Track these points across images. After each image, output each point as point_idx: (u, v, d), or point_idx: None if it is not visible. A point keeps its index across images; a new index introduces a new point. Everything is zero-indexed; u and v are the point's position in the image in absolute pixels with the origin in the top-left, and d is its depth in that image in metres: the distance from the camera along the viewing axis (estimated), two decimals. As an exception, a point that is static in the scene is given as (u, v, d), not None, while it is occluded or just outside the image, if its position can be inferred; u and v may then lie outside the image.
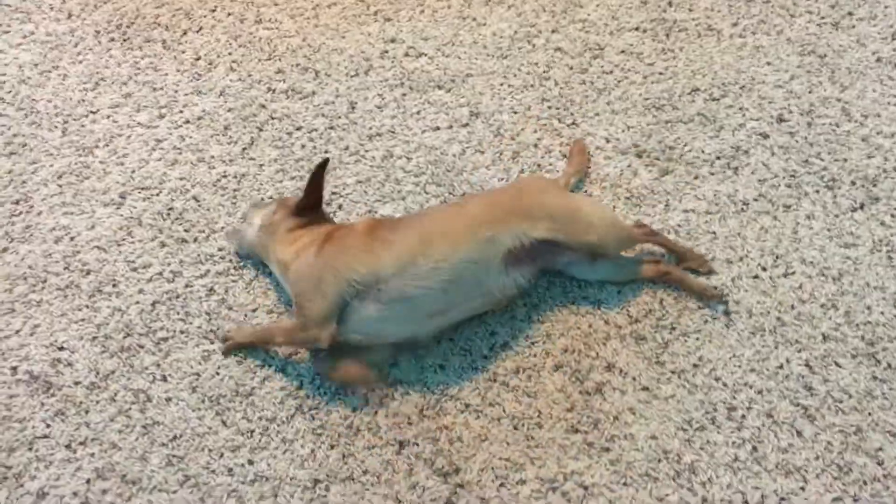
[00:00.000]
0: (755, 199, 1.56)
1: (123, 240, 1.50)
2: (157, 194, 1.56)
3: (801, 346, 1.38)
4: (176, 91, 1.71)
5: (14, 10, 1.84)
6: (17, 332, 1.39)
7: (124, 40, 1.79)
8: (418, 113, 1.69)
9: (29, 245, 1.49)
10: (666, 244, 1.47)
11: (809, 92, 1.72)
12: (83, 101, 1.69)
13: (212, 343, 1.38)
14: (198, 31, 1.82)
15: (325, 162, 1.40)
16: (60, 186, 1.57)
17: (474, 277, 1.32)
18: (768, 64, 1.77)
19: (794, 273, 1.47)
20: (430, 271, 1.30)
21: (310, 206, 1.41)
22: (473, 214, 1.36)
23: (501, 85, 1.74)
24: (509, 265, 1.34)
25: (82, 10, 1.84)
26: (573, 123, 1.68)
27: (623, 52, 1.79)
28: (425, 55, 1.79)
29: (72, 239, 1.50)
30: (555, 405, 1.32)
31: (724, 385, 1.34)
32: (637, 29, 1.84)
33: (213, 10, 1.86)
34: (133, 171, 1.59)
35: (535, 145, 1.65)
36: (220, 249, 1.49)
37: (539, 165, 1.61)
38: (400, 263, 1.29)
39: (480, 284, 1.33)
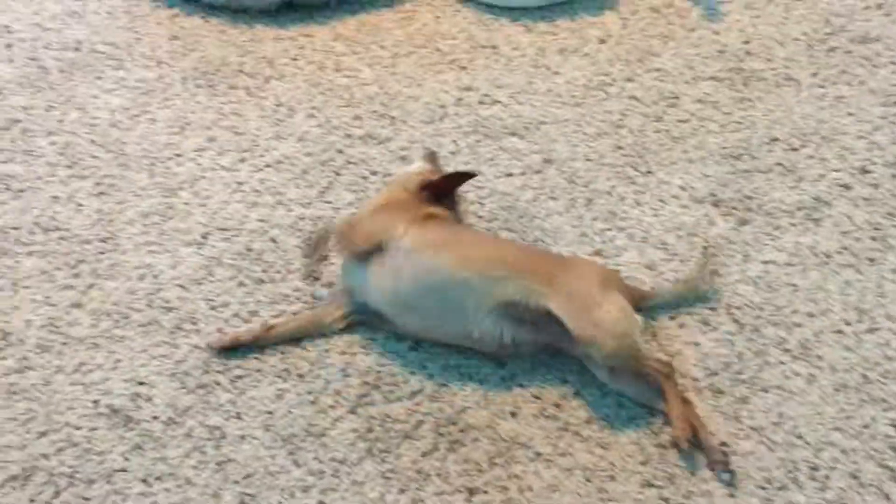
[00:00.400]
0: (838, 252, 1.52)
1: (204, 279, 1.54)
2: (237, 235, 1.60)
3: (888, 404, 1.33)
4: (257, 136, 1.77)
5: (107, 58, 1.93)
6: (100, 366, 1.43)
7: (210, 87, 1.86)
8: (492, 159, 1.71)
9: (114, 282, 1.54)
10: (683, 412, 1.29)
11: (893, 143, 1.68)
12: (170, 144, 1.76)
13: (285, 381, 1.40)
14: (279, 79, 1.88)
15: (471, 175, 1.53)
16: (146, 226, 1.62)
17: (460, 303, 1.35)
18: (850, 114, 1.74)
19: (879, 329, 1.42)
20: (425, 269, 1.36)
21: (432, 188, 1.48)
22: (500, 251, 1.41)
23: (575, 133, 1.75)
24: (504, 316, 1.34)
25: (171, 58, 1.92)
26: (648, 171, 1.67)
27: (699, 101, 1.79)
28: (499, 103, 1.82)
29: (155, 277, 1.55)
30: (629, 458, 1.29)
31: (807, 443, 1.29)
32: (713, 78, 1.83)
33: (295, 59, 1.92)
34: (215, 213, 1.64)
35: (609, 193, 1.64)
36: (295, 290, 1.52)
37: (613, 213, 1.61)
38: (411, 246, 1.37)
39: (462, 315, 1.35)
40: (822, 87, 1.79)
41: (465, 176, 1.53)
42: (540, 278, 1.35)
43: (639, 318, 1.36)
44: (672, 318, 1.45)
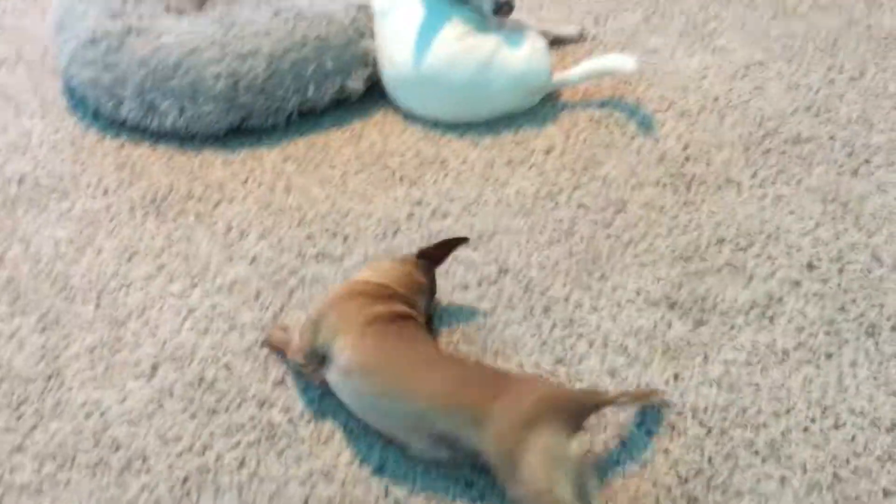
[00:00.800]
0: (795, 349, 1.53)
1: (154, 413, 1.48)
2: (189, 364, 1.55)
3: (862, 502, 1.31)
4: (208, 260, 1.74)
5: (52, 190, 1.91)
6: (44, 514, 1.35)
7: (158, 214, 1.84)
8: (447, 272, 1.70)
9: (59, 422, 1.47)
10: None
11: (836, 238, 1.73)
12: (117, 274, 1.72)
13: (244, 519, 1.33)
14: (229, 202, 1.87)
15: (464, 240, 1.62)
16: (92, 360, 1.56)
17: (395, 425, 1.35)
18: (791, 213, 1.79)
19: (844, 424, 1.41)
20: (358, 393, 1.37)
21: (428, 255, 1.57)
22: (433, 378, 1.34)
23: (528, 242, 1.76)
24: (438, 442, 1.31)
25: (118, 187, 1.91)
26: (602, 277, 1.68)
27: (646, 205, 1.82)
28: (451, 215, 1.83)
29: (102, 414, 1.48)
30: (608, 577, 1.24)
31: (787, 549, 1.26)
32: (657, 183, 1.87)
33: (245, 182, 1.92)
34: (165, 342, 1.59)
35: (566, 300, 1.64)
36: (251, 419, 1.47)
37: (571, 320, 1.60)
38: (344, 365, 1.38)
39: (399, 434, 1.35)
40: (761, 187, 1.85)
41: (458, 241, 1.61)
42: (471, 412, 1.28)
43: (576, 443, 1.26)
44: (639, 426, 1.43)
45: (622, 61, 2.00)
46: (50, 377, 1.54)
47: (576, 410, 1.31)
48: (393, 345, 1.40)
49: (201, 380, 1.53)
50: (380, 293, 1.47)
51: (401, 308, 1.46)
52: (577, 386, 1.49)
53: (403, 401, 1.32)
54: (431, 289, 1.59)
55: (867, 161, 1.90)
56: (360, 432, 1.44)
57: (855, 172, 1.87)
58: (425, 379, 1.34)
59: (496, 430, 1.25)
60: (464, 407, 1.29)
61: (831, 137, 1.96)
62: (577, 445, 1.25)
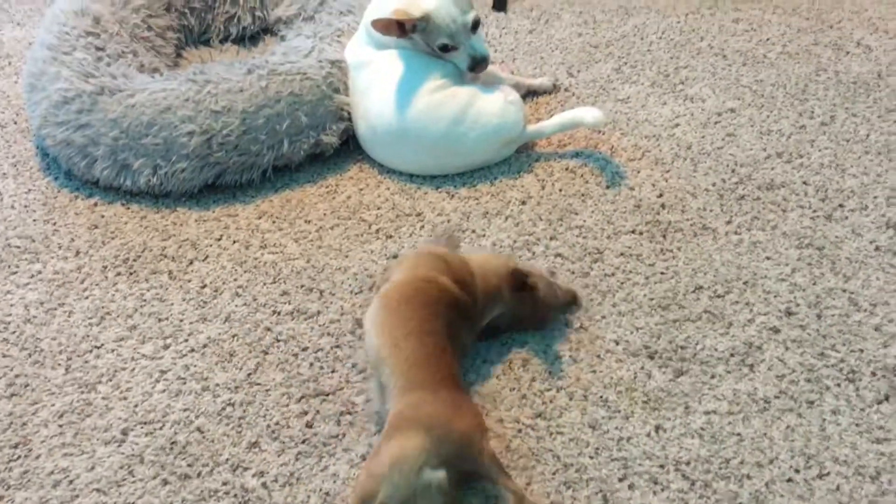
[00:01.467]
0: (776, 397, 1.51)
1: (124, 480, 1.44)
2: (161, 428, 1.52)
3: (850, 554, 1.28)
4: (181, 320, 1.71)
5: (23, 252, 1.88)
6: (7, 590, 1.29)
7: (130, 273, 1.82)
8: (424, 327, 1.67)
9: (25, 492, 1.42)
10: None
11: (813, 284, 1.72)
12: (88, 336, 1.69)
13: (216, 590, 1.28)
14: (203, 260, 1.85)
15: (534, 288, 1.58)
16: (61, 426, 1.52)
17: (371, 354, 1.46)
18: (768, 259, 1.79)
19: (828, 474, 1.39)
20: (371, 312, 1.50)
21: (513, 274, 1.57)
22: (411, 344, 1.41)
23: (505, 294, 1.75)
24: (378, 390, 1.43)
25: (90, 248, 1.88)
26: (581, 327, 1.67)
27: (622, 254, 1.82)
28: (427, 269, 1.81)
29: (70, 482, 1.43)
30: None
31: None
32: (633, 231, 1.87)
33: (219, 239, 1.90)
34: (136, 406, 1.55)
35: (545, 352, 1.62)
36: (224, 484, 1.43)
37: (550, 372, 1.58)
38: (381, 294, 1.52)
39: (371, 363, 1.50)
40: (737, 233, 1.85)
41: (533, 289, 1.60)
42: (406, 385, 1.36)
43: (438, 478, 1.24)
44: (621, 480, 1.40)
45: (592, 113, 2.02)
46: (17, 445, 1.50)
47: (468, 467, 1.31)
48: (414, 307, 1.47)
49: (173, 444, 1.49)
50: (458, 277, 1.53)
51: (462, 297, 1.51)
52: (558, 440, 1.47)
53: (382, 338, 1.43)
54: (512, 308, 1.60)
55: (841, 205, 1.91)
56: (334, 496, 1.40)
57: (829, 217, 1.88)
58: (404, 340, 1.42)
59: (404, 413, 1.33)
60: (410, 380, 1.37)
61: (804, 182, 1.97)
62: (437, 479, 1.25)
